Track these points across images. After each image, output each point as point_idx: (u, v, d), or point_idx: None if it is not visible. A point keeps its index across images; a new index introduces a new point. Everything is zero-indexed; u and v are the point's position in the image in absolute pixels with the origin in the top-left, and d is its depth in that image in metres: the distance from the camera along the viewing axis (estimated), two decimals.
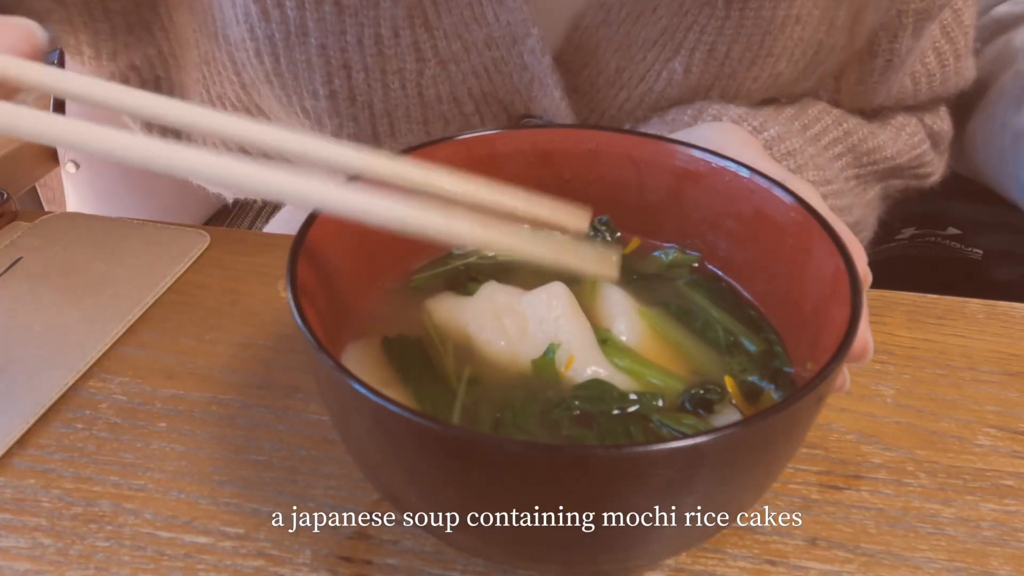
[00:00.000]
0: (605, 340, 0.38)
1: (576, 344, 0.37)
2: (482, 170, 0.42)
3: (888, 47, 0.58)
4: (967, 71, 0.66)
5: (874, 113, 0.64)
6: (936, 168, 0.68)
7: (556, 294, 0.38)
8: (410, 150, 0.40)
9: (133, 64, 0.59)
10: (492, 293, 0.39)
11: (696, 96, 0.55)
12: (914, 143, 0.64)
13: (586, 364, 0.37)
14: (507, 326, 0.38)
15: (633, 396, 0.35)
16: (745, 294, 0.41)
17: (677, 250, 0.43)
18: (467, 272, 0.42)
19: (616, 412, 0.35)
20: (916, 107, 0.66)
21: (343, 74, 0.52)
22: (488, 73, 0.53)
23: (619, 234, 0.44)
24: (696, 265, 0.42)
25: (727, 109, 0.55)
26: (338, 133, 0.56)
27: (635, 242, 0.44)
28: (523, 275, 0.41)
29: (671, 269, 0.42)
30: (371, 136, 0.56)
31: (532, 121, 0.56)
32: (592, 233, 0.43)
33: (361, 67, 0.52)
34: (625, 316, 0.39)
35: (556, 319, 0.37)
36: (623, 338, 0.38)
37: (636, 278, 0.41)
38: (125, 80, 0.60)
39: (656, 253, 0.43)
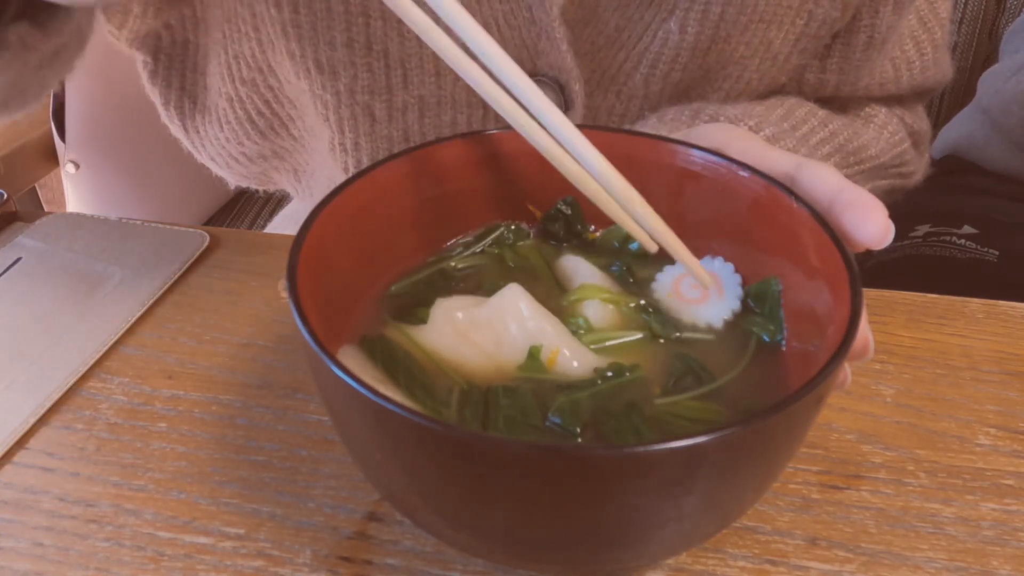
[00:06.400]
0: (575, 331, 0.38)
1: (555, 339, 0.37)
2: (482, 170, 0.42)
3: (870, 22, 0.59)
4: (945, 64, 0.69)
5: (859, 107, 0.66)
6: (917, 167, 0.71)
7: (519, 297, 0.38)
8: (411, 149, 0.40)
9: (168, 23, 0.60)
10: (447, 314, 0.38)
11: (694, 60, 0.57)
12: (895, 141, 0.66)
13: (571, 355, 0.37)
14: (479, 341, 0.37)
15: (628, 374, 0.36)
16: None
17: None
18: (441, 276, 0.42)
19: (609, 388, 0.35)
20: (898, 101, 0.68)
21: (361, 21, 0.54)
22: (498, 26, 0.54)
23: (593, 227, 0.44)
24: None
25: (723, 109, 0.56)
26: (352, 85, 0.57)
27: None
28: (475, 280, 0.41)
29: (628, 241, 0.43)
30: (384, 87, 0.56)
31: (540, 79, 0.57)
32: (555, 214, 0.44)
33: (379, 15, 0.54)
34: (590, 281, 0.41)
35: (526, 321, 0.37)
36: (592, 317, 0.39)
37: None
38: (157, 38, 0.61)
39: (611, 228, 0.43)
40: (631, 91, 0.59)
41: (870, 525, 0.39)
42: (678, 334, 0.38)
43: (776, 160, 0.40)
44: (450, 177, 0.42)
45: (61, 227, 0.58)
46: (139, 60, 0.63)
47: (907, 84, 0.66)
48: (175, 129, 0.66)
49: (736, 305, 0.39)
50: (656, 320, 0.39)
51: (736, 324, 0.39)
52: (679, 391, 0.36)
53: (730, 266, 0.40)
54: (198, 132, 0.65)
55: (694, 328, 0.39)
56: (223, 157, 0.66)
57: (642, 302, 0.40)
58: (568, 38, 0.54)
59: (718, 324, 0.39)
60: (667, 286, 0.40)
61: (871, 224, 0.36)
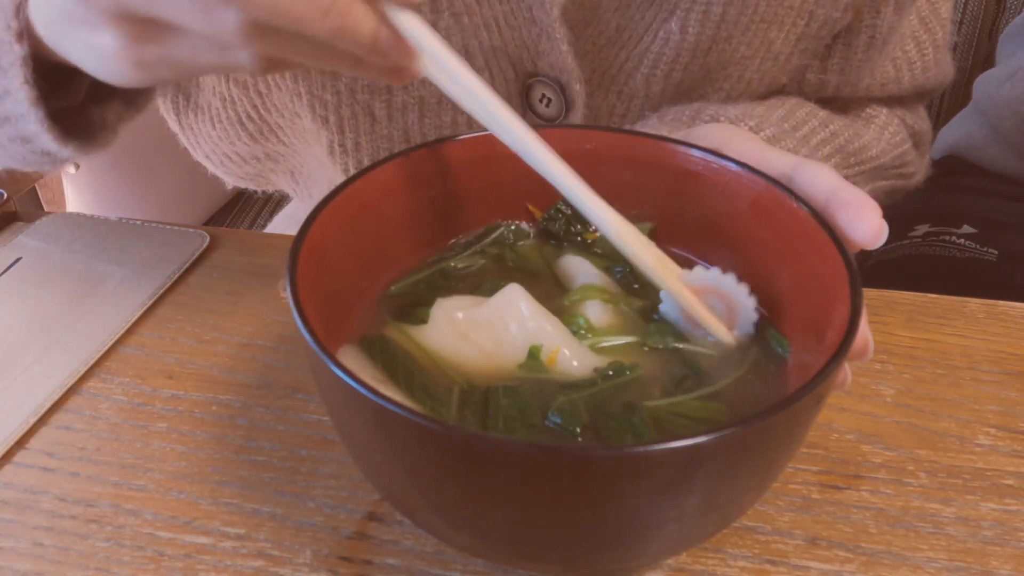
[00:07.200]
0: (575, 331, 0.38)
1: (555, 339, 0.37)
2: (482, 170, 0.42)
3: (871, 22, 0.59)
4: (946, 64, 0.68)
5: (860, 108, 0.66)
6: (918, 167, 0.70)
7: (519, 297, 0.38)
8: (412, 149, 0.40)
9: None
10: (448, 314, 0.38)
11: (695, 60, 0.57)
12: (896, 142, 0.66)
13: (571, 354, 0.37)
14: (479, 341, 0.37)
15: (628, 372, 0.36)
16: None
17: (629, 220, 0.43)
18: (442, 276, 0.42)
19: (610, 389, 0.35)
20: (899, 102, 0.68)
21: None
22: (498, 26, 0.55)
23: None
24: (649, 235, 0.42)
25: (724, 110, 0.56)
26: (352, 84, 0.57)
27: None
28: (475, 280, 0.41)
29: None
30: (384, 87, 0.57)
31: (540, 80, 0.57)
32: (555, 214, 0.44)
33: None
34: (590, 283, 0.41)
35: (526, 321, 0.37)
36: (592, 317, 0.39)
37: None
38: None
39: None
40: (632, 91, 0.59)
41: (870, 525, 0.39)
42: (677, 345, 0.38)
43: (774, 160, 0.40)
44: (450, 177, 0.42)
45: (61, 227, 0.58)
46: None
47: (908, 84, 0.66)
48: (172, 123, 0.66)
49: (749, 330, 0.38)
50: (658, 329, 0.39)
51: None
52: (679, 391, 0.36)
53: (744, 288, 0.37)
54: (192, 129, 0.65)
55: (701, 343, 0.38)
56: (217, 155, 0.66)
57: (645, 306, 0.40)
58: (569, 38, 0.54)
59: (726, 343, 0.38)
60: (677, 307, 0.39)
61: (865, 224, 0.36)
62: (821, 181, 0.38)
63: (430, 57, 0.35)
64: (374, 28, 0.33)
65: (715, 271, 0.38)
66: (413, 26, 0.34)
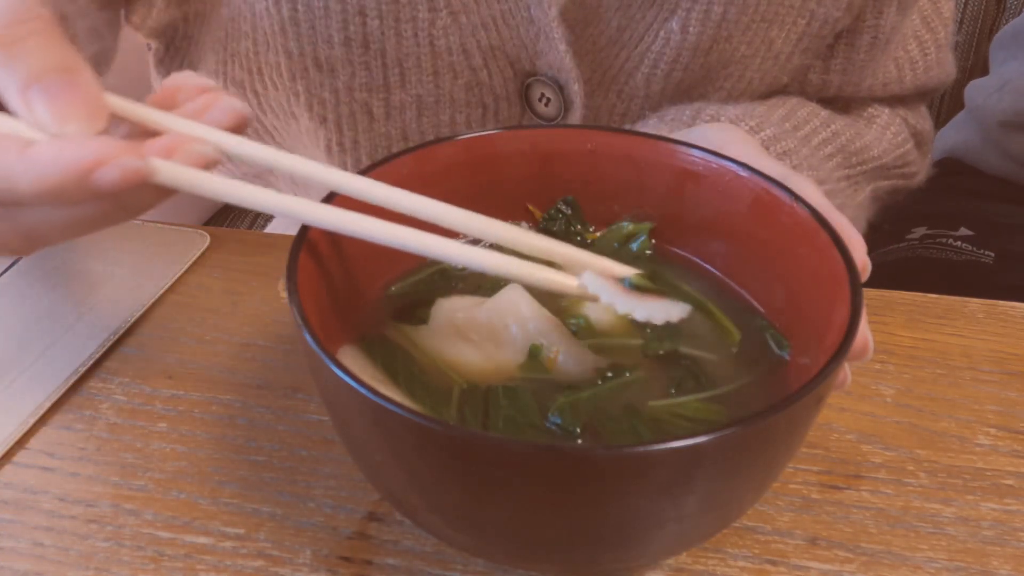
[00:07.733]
0: (575, 331, 0.38)
1: (555, 339, 0.37)
2: (482, 170, 0.42)
3: (873, 23, 0.60)
4: (948, 64, 0.69)
5: (861, 108, 0.66)
6: (920, 167, 0.71)
7: (519, 297, 0.38)
8: (411, 150, 0.40)
9: (186, 15, 0.61)
10: (448, 314, 0.38)
11: (695, 59, 0.57)
12: (898, 142, 0.66)
13: (571, 355, 0.37)
14: (479, 341, 0.37)
15: (628, 374, 0.36)
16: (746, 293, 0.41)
17: (629, 220, 0.43)
18: (442, 277, 0.42)
19: (610, 389, 0.35)
20: (901, 101, 0.68)
21: (359, 20, 0.54)
22: (496, 25, 0.55)
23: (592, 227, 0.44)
24: (649, 235, 0.43)
25: (724, 109, 0.56)
26: (350, 82, 0.57)
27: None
28: (475, 280, 0.41)
29: (628, 241, 0.43)
30: (382, 85, 0.57)
31: (539, 79, 0.57)
32: (555, 214, 0.44)
33: (376, 13, 0.54)
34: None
35: (526, 321, 0.37)
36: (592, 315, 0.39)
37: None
38: (174, 29, 0.62)
39: (611, 228, 0.43)
40: (632, 91, 0.59)
41: (870, 525, 0.39)
42: (677, 346, 0.38)
43: (763, 171, 0.40)
44: (450, 177, 0.42)
45: None
46: (152, 48, 0.63)
47: (910, 84, 0.66)
48: None
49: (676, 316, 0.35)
50: (658, 331, 0.38)
51: (745, 334, 0.39)
52: (679, 392, 0.36)
53: (635, 297, 0.35)
54: None
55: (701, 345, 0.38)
56: None
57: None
58: (567, 38, 0.55)
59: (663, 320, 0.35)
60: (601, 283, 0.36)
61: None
62: (807, 200, 0.38)
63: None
64: (153, 200, 0.33)
65: (605, 287, 0.35)
66: (179, 182, 0.31)
